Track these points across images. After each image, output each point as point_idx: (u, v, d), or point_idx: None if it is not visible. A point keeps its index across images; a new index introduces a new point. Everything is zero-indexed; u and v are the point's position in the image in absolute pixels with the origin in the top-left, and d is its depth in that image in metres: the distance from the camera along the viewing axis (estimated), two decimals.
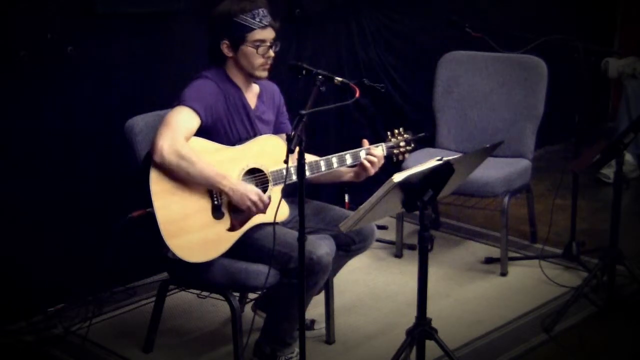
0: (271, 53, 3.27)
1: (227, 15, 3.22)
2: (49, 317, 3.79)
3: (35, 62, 3.63)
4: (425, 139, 3.59)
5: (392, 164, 3.51)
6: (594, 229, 4.83)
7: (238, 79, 3.32)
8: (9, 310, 3.70)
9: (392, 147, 3.45)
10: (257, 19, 3.22)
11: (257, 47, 3.23)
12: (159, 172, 3.07)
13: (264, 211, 3.18)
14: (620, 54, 6.10)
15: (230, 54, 3.26)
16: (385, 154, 3.42)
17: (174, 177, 3.09)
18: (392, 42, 5.21)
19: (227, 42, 3.24)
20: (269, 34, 3.25)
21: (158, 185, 3.07)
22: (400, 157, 3.49)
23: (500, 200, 4.32)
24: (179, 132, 3.07)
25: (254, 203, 3.14)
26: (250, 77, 3.32)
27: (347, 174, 3.42)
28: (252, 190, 3.14)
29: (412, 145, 3.50)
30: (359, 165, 3.36)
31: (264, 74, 3.31)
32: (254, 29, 3.21)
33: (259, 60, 3.25)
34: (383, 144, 3.43)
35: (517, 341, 3.66)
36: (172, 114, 3.14)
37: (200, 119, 3.15)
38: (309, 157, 3.28)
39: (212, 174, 3.10)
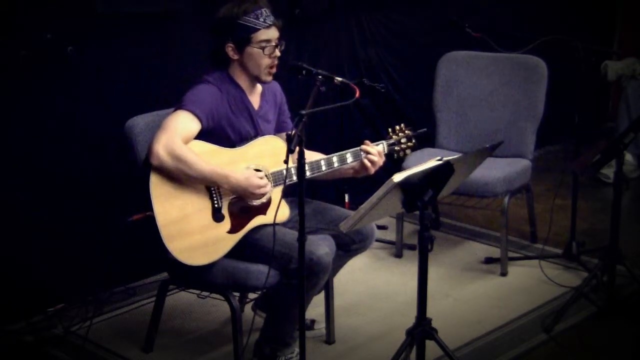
0: (277, 53, 3.26)
1: (231, 17, 3.21)
2: (49, 317, 3.79)
3: (35, 62, 3.63)
4: (427, 135, 3.58)
5: (393, 161, 3.51)
6: (594, 229, 4.83)
7: (242, 81, 3.31)
8: (9, 310, 3.70)
9: (394, 144, 3.44)
10: (261, 19, 3.21)
11: (263, 48, 3.22)
12: (159, 175, 3.07)
13: (267, 191, 3.18)
14: (619, 54, 6.11)
15: (235, 57, 3.25)
16: (386, 152, 3.41)
17: (173, 179, 3.08)
18: (392, 42, 5.21)
19: (232, 44, 3.23)
20: (273, 33, 3.24)
21: (158, 188, 3.07)
22: (402, 154, 3.47)
23: (500, 200, 4.32)
24: (175, 134, 3.06)
25: (256, 194, 3.14)
26: (255, 81, 3.32)
27: (347, 170, 3.41)
28: (253, 184, 3.13)
29: (414, 141, 3.48)
30: (359, 164, 3.36)
31: (269, 78, 3.30)
32: (258, 29, 3.20)
33: (266, 61, 3.25)
34: (384, 141, 3.42)
35: (517, 341, 3.66)
36: (171, 117, 3.13)
37: (201, 122, 3.14)
38: (311, 155, 3.29)
39: (210, 175, 3.10)
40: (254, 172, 3.18)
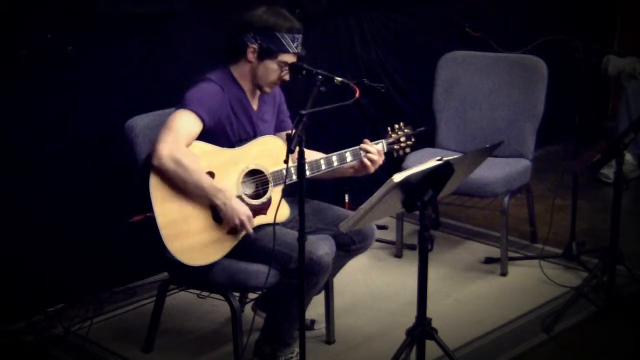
0: (287, 77, 3.28)
1: (272, 26, 3.21)
2: (49, 317, 3.79)
3: (35, 62, 3.63)
4: (426, 134, 3.58)
5: (393, 160, 3.51)
6: (594, 229, 4.83)
7: (245, 83, 3.31)
8: (9, 310, 3.70)
9: (393, 143, 3.44)
10: (295, 44, 3.23)
11: (281, 69, 3.23)
12: (159, 177, 3.07)
13: (248, 230, 3.17)
14: (620, 54, 6.10)
15: (251, 59, 3.26)
16: (385, 151, 3.41)
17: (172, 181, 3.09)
18: (392, 42, 5.21)
19: (256, 47, 3.23)
20: (295, 60, 3.26)
21: (158, 190, 3.07)
22: (401, 153, 3.47)
23: (500, 200, 4.32)
24: (180, 137, 3.06)
25: (242, 223, 3.13)
26: (257, 88, 3.33)
27: (347, 170, 3.41)
28: (243, 212, 3.13)
29: (413, 140, 3.48)
30: (359, 163, 3.36)
31: (269, 90, 3.33)
32: (288, 52, 3.22)
33: (275, 79, 3.26)
34: (383, 140, 3.42)
35: (517, 341, 3.66)
36: (175, 117, 3.12)
37: (203, 122, 3.14)
38: (311, 154, 3.29)
39: (207, 186, 3.09)
40: (248, 213, 3.15)
